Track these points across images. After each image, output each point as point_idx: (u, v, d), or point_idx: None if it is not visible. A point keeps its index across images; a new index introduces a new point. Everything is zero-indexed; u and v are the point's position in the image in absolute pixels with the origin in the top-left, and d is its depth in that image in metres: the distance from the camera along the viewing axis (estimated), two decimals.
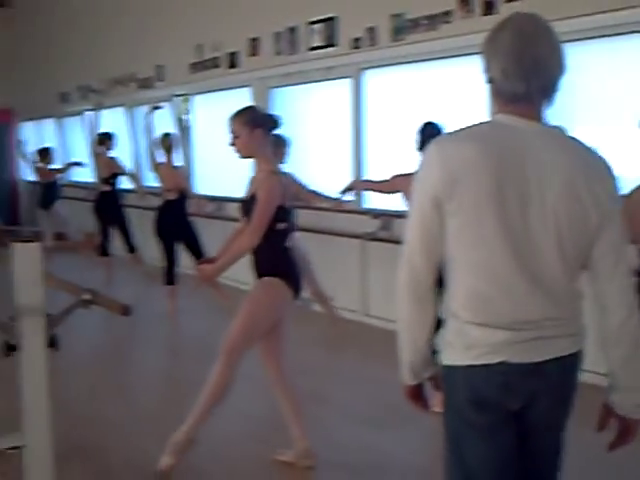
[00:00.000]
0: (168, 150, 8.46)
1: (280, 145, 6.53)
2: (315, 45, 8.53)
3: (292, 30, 8.82)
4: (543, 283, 2.16)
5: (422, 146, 5.28)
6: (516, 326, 2.15)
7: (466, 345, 2.19)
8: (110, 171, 10.46)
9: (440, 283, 2.28)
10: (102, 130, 11.26)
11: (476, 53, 2.41)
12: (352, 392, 5.91)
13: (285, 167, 6.28)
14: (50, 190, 12.80)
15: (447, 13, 6.96)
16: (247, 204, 4.33)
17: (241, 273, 5.13)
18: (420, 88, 7.53)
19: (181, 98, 11.42)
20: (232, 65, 10.00)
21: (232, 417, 5.32)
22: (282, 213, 4.26)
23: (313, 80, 8.82)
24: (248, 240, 4.20)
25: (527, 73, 2.14)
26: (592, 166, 2.20)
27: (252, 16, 9.52)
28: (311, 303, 8.30)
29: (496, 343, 2.15)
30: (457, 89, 7.14)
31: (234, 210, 9.73)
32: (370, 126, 8.23)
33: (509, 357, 2.15)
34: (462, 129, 2.22)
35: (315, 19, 8.45)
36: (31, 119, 17.09)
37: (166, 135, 8.62)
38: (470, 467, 2.25)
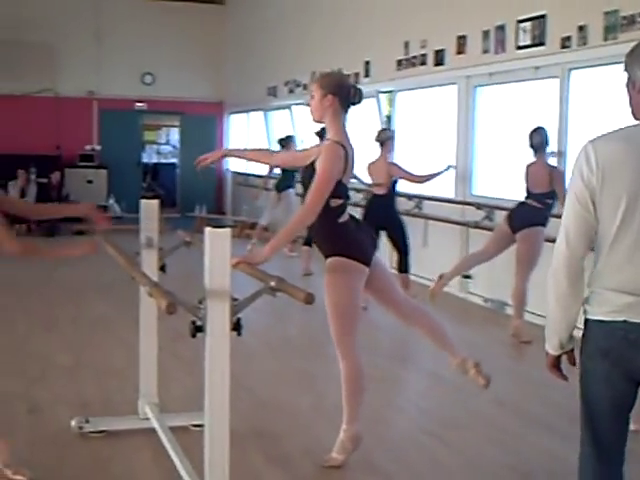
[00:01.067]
0: (382, 144, 8.46)
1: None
2: (523, 44, 8.33)
3: (500, 28, 8.65)
4: None
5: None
6: (637, 292, 2.59)
7: (600, 304, 2.66)
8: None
9: None
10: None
11: None
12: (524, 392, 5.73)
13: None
14: (290, 175, 11.70)
15: None
16: (305, 174, 4.18)
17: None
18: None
19: (386, 95, 11.49)
20: (438, 62, 9.93)
21: (407, 412, 5.32)
22: (339, 189, 4.06)
23: (519, 79, 8.64)
24: (302, 215, 4.02)
25: None
26: None
27: (460, 14, 9.42)
28: (502, 306, 8.16)
29: (621, 304, 2.60)
30: None
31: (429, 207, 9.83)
32: (573, 127, 7.96)
33: (630, 317, 2.58)
34: (613, 131, 2.70)
35: (524, 17, 8.25)
36: (240, 112, 17.70)
37: (383, 130, 8.70)
38: (589, 404, 2.74)
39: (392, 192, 8.52)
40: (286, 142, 10.86)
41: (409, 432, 4.97)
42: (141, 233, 4.65)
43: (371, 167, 8.52)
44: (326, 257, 4.23)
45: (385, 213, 8.40)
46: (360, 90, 4.22)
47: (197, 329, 3.10)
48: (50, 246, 4.25)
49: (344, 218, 4.15)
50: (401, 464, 4.46)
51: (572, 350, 2.77)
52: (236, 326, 3.12)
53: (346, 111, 4.21)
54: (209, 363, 3.15)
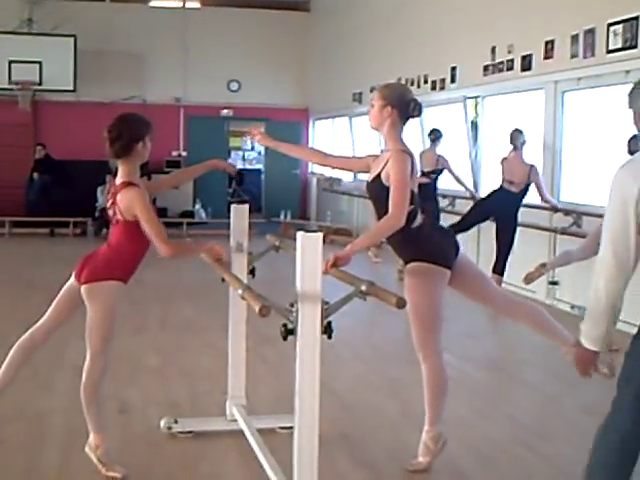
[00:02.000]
0: (515, 146, 8.86)
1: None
2: (614, 47, 8.18)
3: (589, 32, 8.51)
4: None
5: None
6: None
7: None
8: (432, 166, 10.52)
9: None
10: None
11: None
12: None
13: None
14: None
15: None
16: (372, 186, 4.21)
17: None
18: None
19: (472, 100, 11.41)
20: (525, 68, 9.82)
21: (500, 422, 5.25)
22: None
23: (609, 84, 8.49)
24: (391, 219, 3.99)
25: None
26: None
27: (548, 18, 9.31)
28: None
29: None
30: None
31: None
32: None
33: None
34: None
35: (615, 20, 8.11)
36: (324, 118, 17.78)
37: (515, 131, 8.93)
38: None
39: (523, 194, 8.82)
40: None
41: (498, 440, 4.91)
42: (231, 237, 4.71)
43: (505, 164, 8.92)
44: (406, 263, 4.25)
45: (507, 209, 8.77)
46: (420, 104, 4.24)
47: (288, 332, 3.12)
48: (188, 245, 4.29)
49: (416, 223, 4.15)
50: (489, 471, 4.42)
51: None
52: (327, 329, 3.14)
53: (404, 123, 4.23)
54: (300, 366, 3.16)
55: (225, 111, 17.78)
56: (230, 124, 18.57)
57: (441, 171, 10.55)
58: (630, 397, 3.02)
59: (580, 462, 4.51)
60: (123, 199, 3.97)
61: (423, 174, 10.10)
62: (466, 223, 9.18)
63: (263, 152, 19.55)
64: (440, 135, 10.64)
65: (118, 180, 4.09)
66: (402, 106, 4.18)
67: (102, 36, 16.56)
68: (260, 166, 20.40)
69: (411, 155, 4.12)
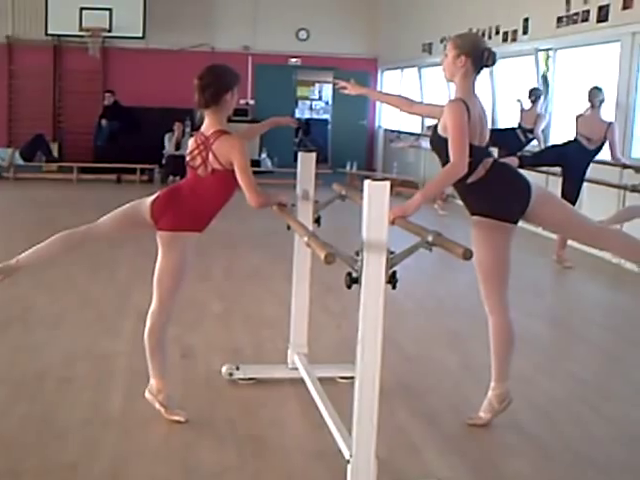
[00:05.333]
0: (593, 104, 8.64)
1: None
2: None
3: None
4: None
5: None
6: None
7: None
8: (532, 123, 10.55)
9: None
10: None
11: None
12: None
13: None
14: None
15: None
16: (432, 137, 4.16)
17: None
18: None
19: (543, 53, 11.17)
20: (601, 19, 9.55)
21: (561, 379, 5.20)
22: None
23: None
24: (451, 168, 3.92)
25: None
26: None
27: None
28: None
29: None
30: None
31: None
32: None
33: None
34: None
35: None
36: (393, 68, 17.60)
37: (594, 89, 8.72)
38: None
39: (597, 150, 8.65)
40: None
41: (559, 397, 4.87)
42: (297, 185, 4.70)
43: (581, 120, 8.73)
44: (472, 214, 4.19)
45: (578, 162, 8.60)
46: (494, 53, 4.13)
47: (353, 280, 3.11)
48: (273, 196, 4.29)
49: (473, 178, 4.06)
50: (549, 429, 4.38)
51: None
52: (391, 279, 3.12)
53: (478, 72, 4.14)
54: (363, 315, 3.15)
55: (294, 60, 17.70)
56: (298, 73, 18.49)
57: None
58: None
59: None
60: (222, 146, 3.95)
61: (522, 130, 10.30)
62: (536, 160, 9.02)
63: (331, 102, 19.45)
64: (540, 94, 10.65)
65: (208, 130, 4.06)
66: (476, 55, 4.09)
67: None
68: (327, 116, 20.32)
69: (468, 105, 4.00)
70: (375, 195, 3.07)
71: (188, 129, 15.26)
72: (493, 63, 4.14)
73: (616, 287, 8.23)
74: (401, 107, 4.73)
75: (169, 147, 15.29)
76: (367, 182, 3.09)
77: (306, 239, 3.33)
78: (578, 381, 5.19)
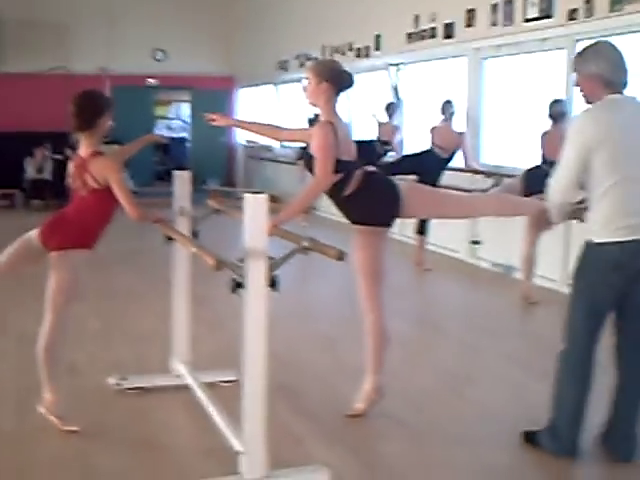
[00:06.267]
0: (445, 116, 9.33)
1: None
2: (531, 17, 8.56)
3: (509, 1, 8.87)
4: None
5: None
6: None
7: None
8: (389, 135, 10.91)
9: None
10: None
11: None
12: None
13: None
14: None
15: None
16: (303, 155, 4.66)
17: None
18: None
19: (395, 67, 11.71)
20: (447, 36, 10.16)
21: (426, 369, 5.64)
22: (336, 165, 4.29)
23: (527, 51, 8.89)
24: (313, 187, 4.37)
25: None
26: None
27: None
28: (510, 270, 8.48)
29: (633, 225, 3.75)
30: None
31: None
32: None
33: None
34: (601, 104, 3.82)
35: None
36: (250, 86, 17.90)
37: (446, 102, 9.38)
38: (594, 302, 3.92)
39: (450, 158, 9.34)
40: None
41: (427, 386, 5.30)
42: (174, 202, 4.96)
43: (435, 132, 9.34)
44: (353, 223, 4.57)
45: (433, 170, 9.11)
46: (351, 75, 4.52)
47: (237, 285, 3.41)
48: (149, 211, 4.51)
49: (349, 190, 4.42)
50: (419, 414, 4.79)
51: None
52: (273, 282, 3.44)
53: (338, 95, 4.49)
54: (248, 317, 3.46)
55: (151, 80, 17.78)
56: (156, 93, 18.57)
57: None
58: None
59: (502, 404, 4.96)
60: (98, 167, 4.24)
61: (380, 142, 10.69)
62: (394, 169, 9.36)
63: (190, 120, 19.57)
64: (395, 108, 11.09)
65: (83, 152, 4.34)
66: (336, 80, 4.45)
67: (25, 5, 16.36)
68: (185, 134, 20.44)
69: (334, 125, 4.34)
70: (255, 207, 3.39)
71: (48, 153, 15.13)
72: (351, 85, 4.53)
73: (472, 285, 8.80)
74: (271, 135, 5.02)
75: (30, 171, 15.13)
76: (247, 195, 3.41)
77: (194, 249, 3.61)
78: (442, 370, 5.66)
